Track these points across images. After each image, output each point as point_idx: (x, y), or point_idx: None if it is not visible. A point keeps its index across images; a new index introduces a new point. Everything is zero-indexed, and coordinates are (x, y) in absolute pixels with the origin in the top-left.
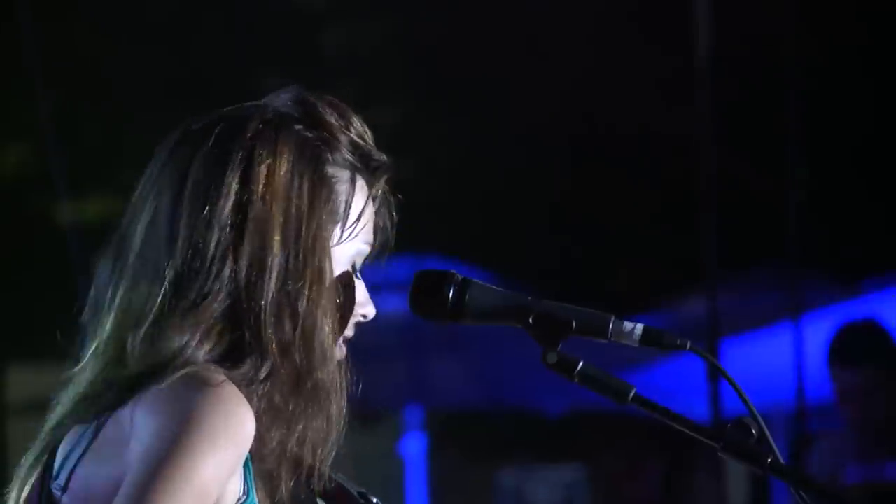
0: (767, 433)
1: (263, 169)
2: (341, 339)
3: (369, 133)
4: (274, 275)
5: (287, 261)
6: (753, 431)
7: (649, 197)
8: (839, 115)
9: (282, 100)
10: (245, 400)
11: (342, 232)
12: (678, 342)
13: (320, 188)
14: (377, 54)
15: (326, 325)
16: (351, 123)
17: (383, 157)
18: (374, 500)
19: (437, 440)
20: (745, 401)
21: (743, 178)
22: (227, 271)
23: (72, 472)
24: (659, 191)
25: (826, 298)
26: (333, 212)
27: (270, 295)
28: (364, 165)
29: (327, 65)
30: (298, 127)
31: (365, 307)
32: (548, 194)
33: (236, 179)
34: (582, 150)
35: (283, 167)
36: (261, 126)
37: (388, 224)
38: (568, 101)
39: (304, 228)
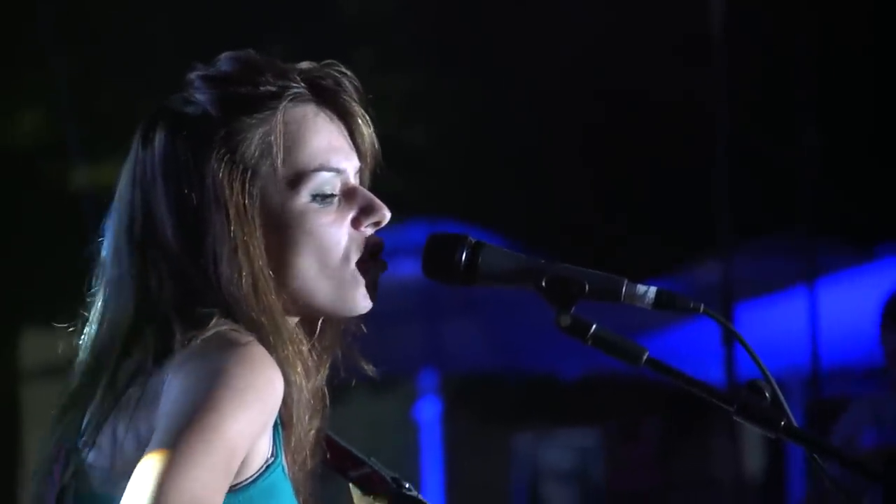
0: (781, 396)
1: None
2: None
3: (293, 64)
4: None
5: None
6: (767, 395)
7: (664, 162)
8: (853, 80)
9: (195, 82)
10: (273, 360)
11: (278, 174)
12: (692, 305)
13: (216, 170)
14: (392, 20)
15: (265, 274)
16: (257, 70)
17: (300, 85)
18: (407, 486)
19: (452, 404)
20: (758, 364)
21: (757, 143)
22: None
23: (99, 429)
24: (674, 156)
25: (840, 263)
26: (252, 165)
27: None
28: (284, 99)
29: (342, 30)
30: (189, 110)
31: (371, 215)
32: (562, 160)
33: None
34: (596, 116)
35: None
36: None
37: (364, 131)
38: (582, 66)
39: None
